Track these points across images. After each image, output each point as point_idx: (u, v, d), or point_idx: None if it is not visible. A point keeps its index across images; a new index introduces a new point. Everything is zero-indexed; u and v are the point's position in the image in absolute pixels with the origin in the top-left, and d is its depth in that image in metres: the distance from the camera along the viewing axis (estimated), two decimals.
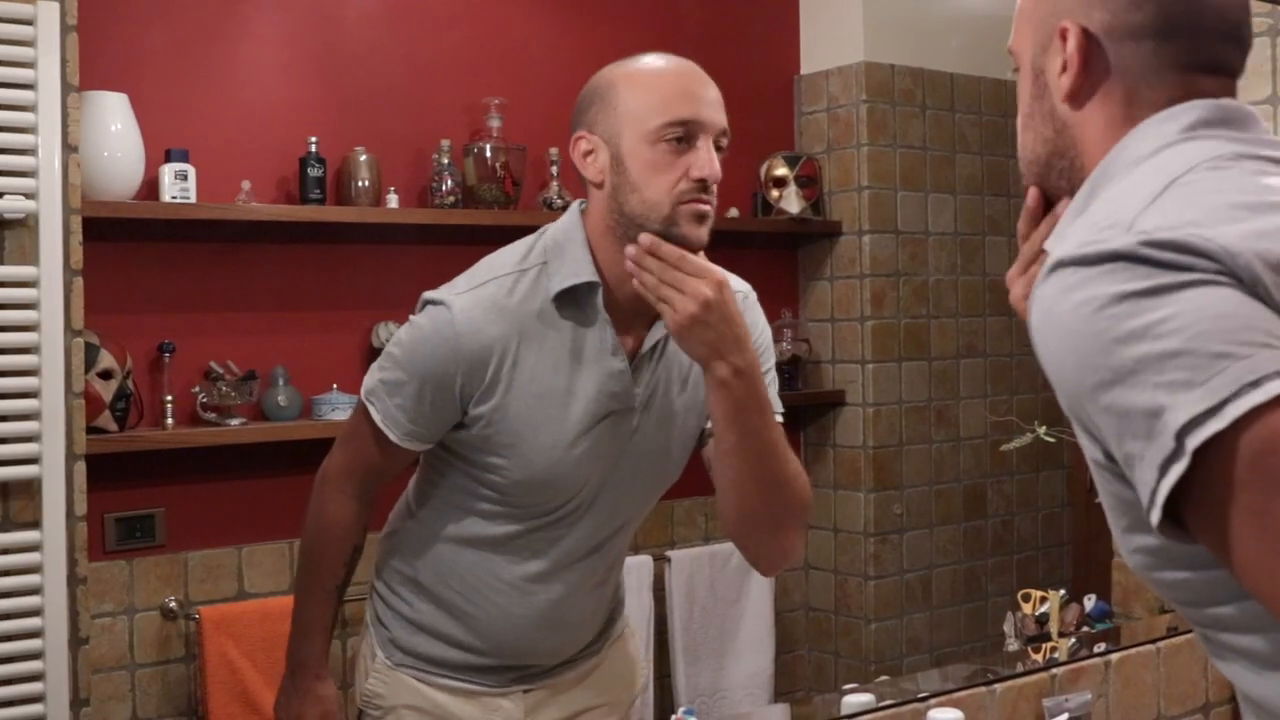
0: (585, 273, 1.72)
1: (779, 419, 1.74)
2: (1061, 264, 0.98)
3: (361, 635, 2.03)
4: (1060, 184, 1.23)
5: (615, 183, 1.69)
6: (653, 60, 1.74)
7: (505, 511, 1.81)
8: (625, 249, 1.65)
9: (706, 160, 1.67)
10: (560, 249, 1.74)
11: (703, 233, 1.69)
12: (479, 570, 1.85)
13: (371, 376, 1.81)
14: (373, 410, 1.78)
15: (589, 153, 1.72)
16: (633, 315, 1.75)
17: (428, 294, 1.76)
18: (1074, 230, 1.05)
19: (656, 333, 1.76)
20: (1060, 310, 0.97)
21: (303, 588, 1.97)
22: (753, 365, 1.66)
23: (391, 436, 1.78)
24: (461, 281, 1.76)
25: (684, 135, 1.67)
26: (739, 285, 1.87)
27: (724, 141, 1.71)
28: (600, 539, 1.85)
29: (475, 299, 1.72)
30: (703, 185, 1.67)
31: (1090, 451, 1.01)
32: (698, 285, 1.61)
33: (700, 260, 1.65)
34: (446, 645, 1.89)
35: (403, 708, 1.92)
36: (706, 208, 1.68)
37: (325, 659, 1.94)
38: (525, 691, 1.91)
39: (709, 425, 1.78)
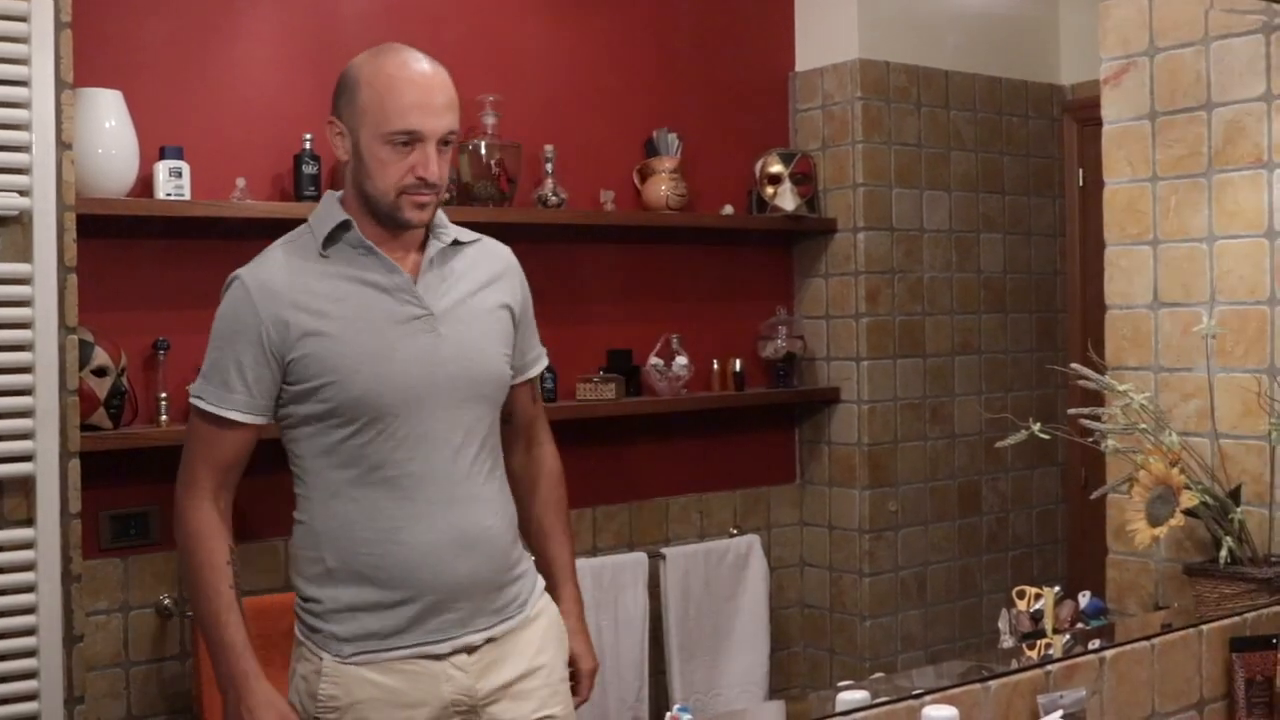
0: (338, 216, 2.01)
1: (536, 369, 2.19)
2: None
3: (295, 657, 2.06)
4: None
5: (355, 165, 2.01)
6: (394, 64, 1.99)
7: (360, 450, 1.97)
8: None
9: (425, 162, 1.96)
10: (317, 214, 2.05)
11: (423, 216, 2.00)
12: (368, 522, 1.98)
13: (197, 383, 2.00)
14: (201, 404, 1.97)
15: (338, 134, 2.02)
16: (400, 245, 2.03)
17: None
18: None
19: (430, 250, 2.04)
20: None
21: (203, 603, 1.99)
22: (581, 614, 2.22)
23: (223, 412, 1.96)
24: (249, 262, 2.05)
25: (409, 140, 1.96)
26: (509, 252, 2.18)
27: (450, 138, 2.00)
28: (454, 442, 2.01)
29: (260, 260, 2.03)
30: (423, 182, 1.97)
31: None
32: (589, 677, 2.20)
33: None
34: (383, 610, 1.98)
35: (359, 703, 1.97)
36: (425, 199, 1.99)
37: (256, 662, 1.98)
38: (470, 653, 2.00)
39: (519, 365, 2.13)
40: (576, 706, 2.15)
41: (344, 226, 2.00)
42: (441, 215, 2.09)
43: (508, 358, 2.09)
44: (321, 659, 2.00)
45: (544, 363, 2.24)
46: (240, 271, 2.02)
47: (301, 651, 2.04)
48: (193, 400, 1.99)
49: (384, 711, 1.98)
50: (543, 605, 2.14)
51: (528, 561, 2.14)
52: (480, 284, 2.09)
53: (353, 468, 1.98)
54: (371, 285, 1.99)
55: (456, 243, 2.09)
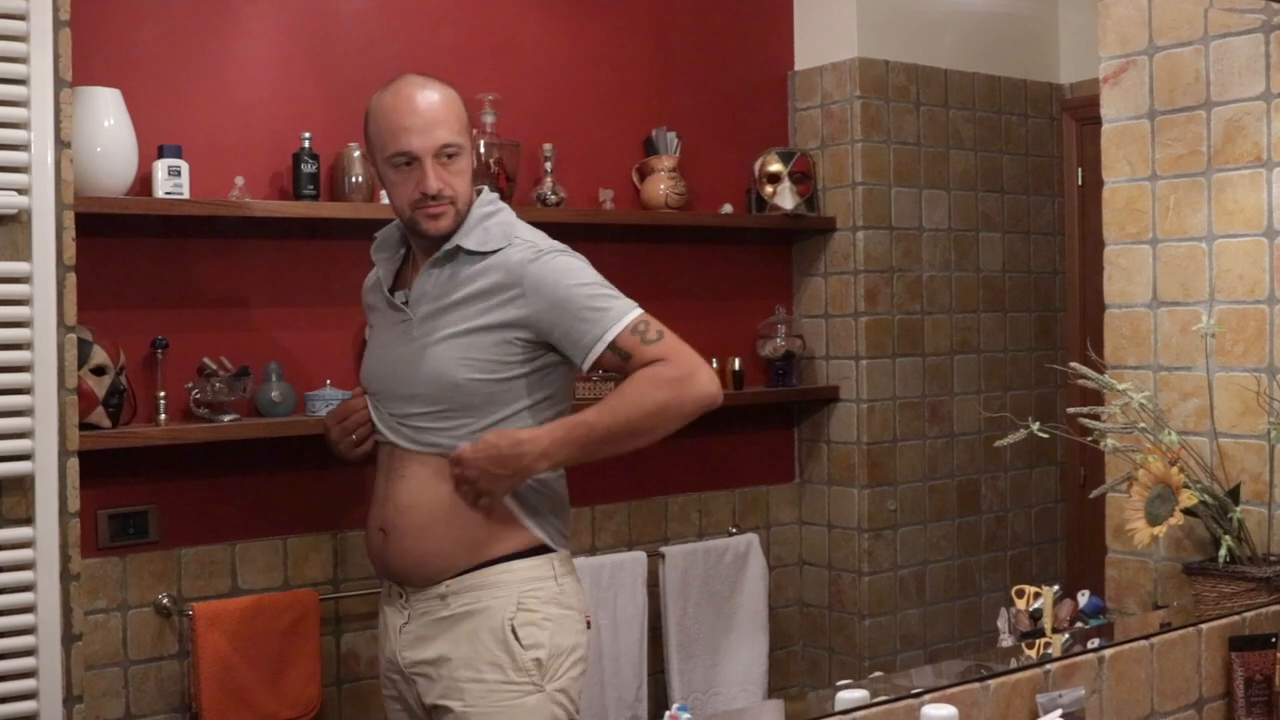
0: (393, 229, 2.38)
1: (599, 349, 2.16)
2: None
3: None
4: None
5: (383, 187, 2.32)
6: (390, 95, 2.23)
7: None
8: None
9: (424, 178, 2.18)
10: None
11: (439, 225, 2.22)
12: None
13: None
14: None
15: (369, 164, 2.37)
16: (423, 255, 2.29)
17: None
18: None
19: (430, 260, 2.26)
20: None
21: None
22: (547, 446, 2.15)
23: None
24: None
25: (408, 160, 2.19)
26: (542, 244, 2.25)
27: (450, 150, 2.20)
28: (390, 432, 2.28)
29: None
30: (425, 196, 2.19)
31: None
32: (453, 465, 2.18)
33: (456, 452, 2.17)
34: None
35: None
36: (435, 210, 2.21)
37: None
38: (404, 607, 2.25)
39: (577, 355, 2.20)
40: (457, 473, 2.18)
41: (389, 236, 2.39)
42: (476, 223, 2.25)
43: (473, 365, 2.19)
44: None
45: (612, 332, 2.17)
46: None
47: None
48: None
49: (379, 641, 2.35)
50: (489, 603, 2.20)
51: (480, 566, 2.22)
52: (471, 296, 2.21)
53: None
54: (385, 289, 2.33)
55: (460, 250, 2.23)
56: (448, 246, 2.23)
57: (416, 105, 2.21)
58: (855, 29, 3.74)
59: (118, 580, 2.81)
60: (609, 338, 2.17)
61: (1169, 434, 2.55)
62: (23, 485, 2.10)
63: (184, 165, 2.80)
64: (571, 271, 2.21)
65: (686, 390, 2.18)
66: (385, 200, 3.03)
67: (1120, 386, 2.59)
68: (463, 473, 2.17)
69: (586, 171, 3.45)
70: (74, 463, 2.14)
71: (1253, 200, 2.66)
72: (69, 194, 2.15)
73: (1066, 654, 2.19)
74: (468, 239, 2.22)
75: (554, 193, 3.32)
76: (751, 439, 3.81)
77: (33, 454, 2.09)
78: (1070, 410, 2.70)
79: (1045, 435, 2.56)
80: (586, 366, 2.18)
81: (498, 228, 2.24)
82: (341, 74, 3.11)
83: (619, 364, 2.19)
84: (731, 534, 3.68)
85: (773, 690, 3.66)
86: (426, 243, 2.27)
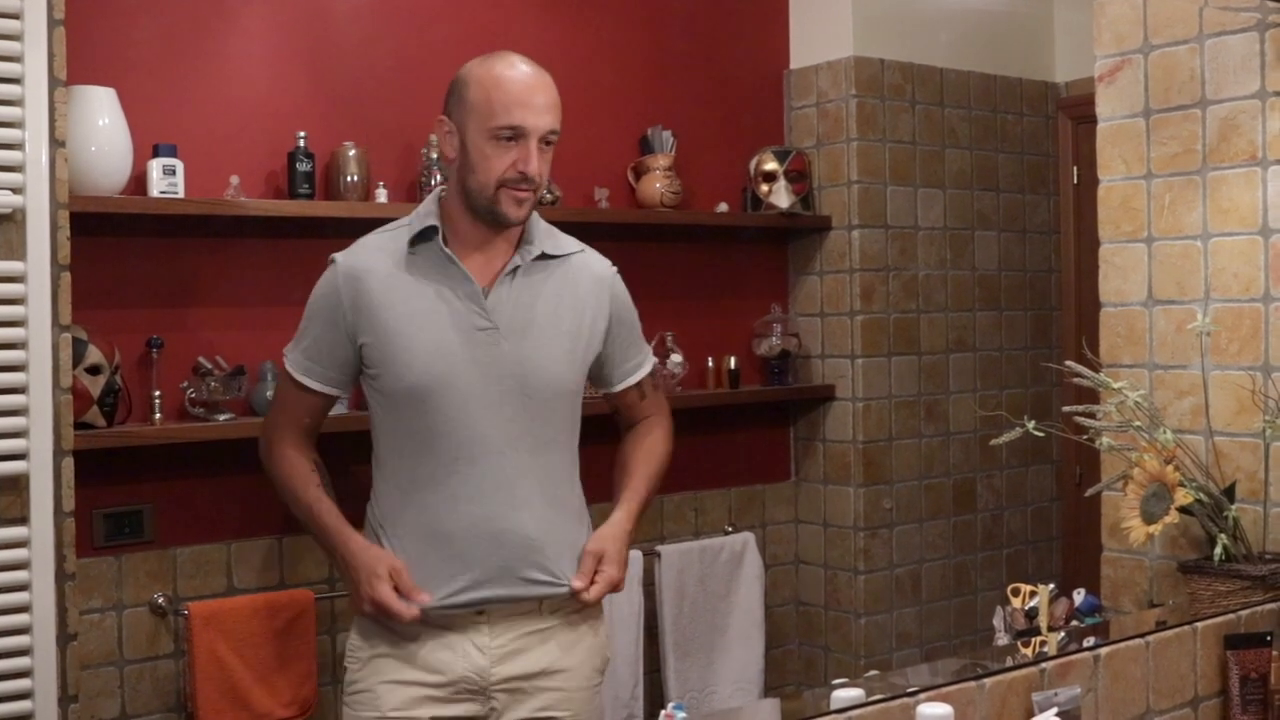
0: (431, 219, 2.15)
1: (637, 376, 2.32)
2: None
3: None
4: None
5: (461, 161, 2.14)
6: (502, 65, 2.12)
7: (415, 443, 2.13)
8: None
9: (527, 158, 2.09)
10: (418, 212, 2.20)
11: (521, 212, 2.13)
12: (418, 513, 2.14)
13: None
14: (287, 366, 2.21)
15: (447, 133, 2.15)
16: (487, 252, 2.17)
17: None
18: None
19: (510, 264, 2.16)
20: None
21: (300, 508, 2.23)
22: (633, 529, 2.28)
23: (300, 378, 2.19)
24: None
25: (514, 135, 2.09)
26: (606, 268, 2.28)
27: (552, 138, 2.13)
28: (502, 450, 2.13)
29: (356, 247, 2.19)
30: (524, 177, 2.10)
31: None
32: (612, 575, 2.21)
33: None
34: (419, 573, 2.12)
35: (378, 658, 2.12)
36: (524, 195, 2.12)
37: (349, 529, 2.19)
38: (491, 635, 2.12)
39: (616, 375, 2.29)
40: (582, 592, 2.18)
41: (432, 230, 2.15)
42: (537, 225, 2.21)
43: (574, 376, 2.20)
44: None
45: (646, 368, 2.35)
46: (337, 255, 2.19)
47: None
48: (283, 357, 2.24)
49: (399, 670, 2.11)
50: (590, 612, 2.21)
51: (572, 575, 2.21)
52: (560, 303, 2.18)
53: (410, 458, 2.14)
54: (445, 290, 2.13)
55: (545, 256, 2.20)
56: (529, 257, 2.17)
57: (535, 82, 2.12)
58: (850, 27, 3.75)
59: (113, 580, 2.81)
60: (644, 372, 2.34)
61: (1164, 432, 2.55)
62: (17, 485, 2.10)
63: (179, 164, 2.79)
64: (630, 297, 2.34)
65: (672, 440, 2.40)
66: (382, 198, 3.08)
67: (1116, 385, 2.59)
68: (613, 579, 2.20)
69: (581, 170, 3.45)
70: (69, 462, 2.14)
71: (1248, 199, 2.66)
72: (64, 193, 2.15)
73: (1062, 652, 2.19)
74: (548, 244, 2.21)
75: (549, 191, 3.32)
76: (747, 438, 3.81)
77: (27, 453, 2.09)
78: (1066, 409, 2.70)
79: (1041, 434, 2.56)
80: (619, 389, 2.30)
81: (553, 231, 2.25)
82: (337, 73, 3.11)
83: (634, 397, 2.34)
84: (727, 533, 3.68)
85: (769, 689, 3.66)
86: (486, 229, 2.15)
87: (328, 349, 2.17)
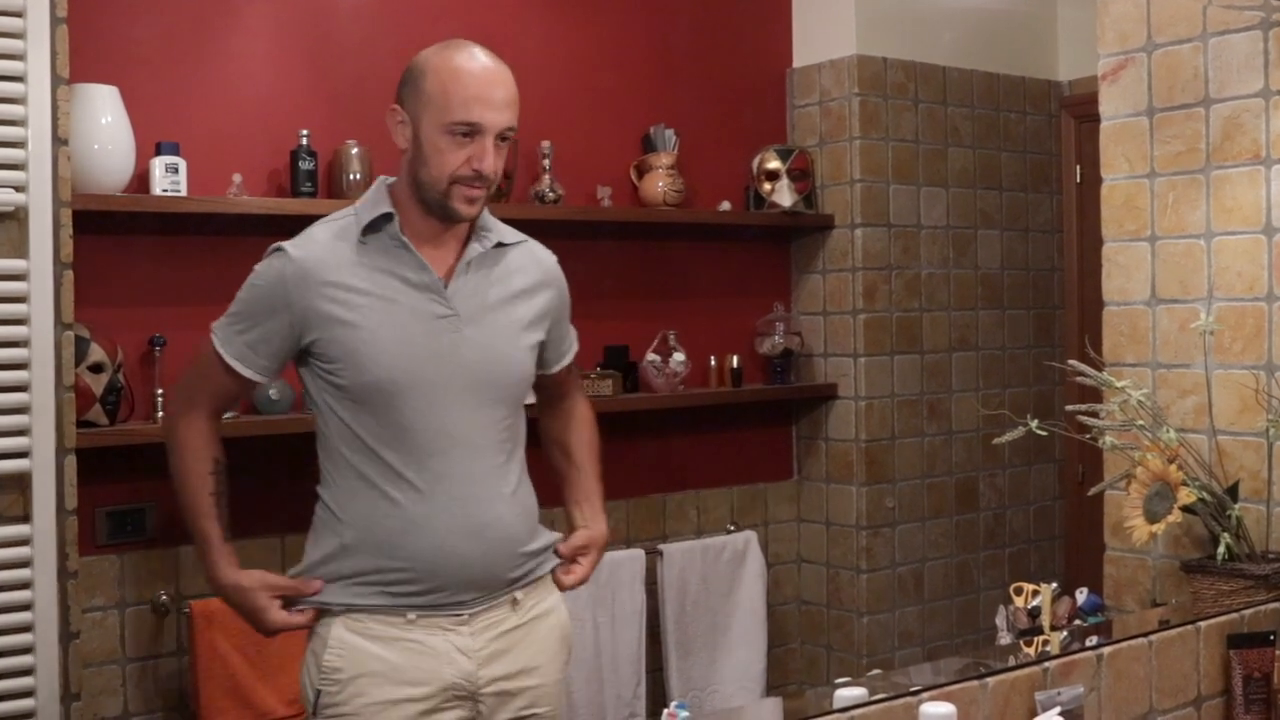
0: (383, 207, 2.05)
1: (570, 357, 2.30)
2: None
3: (311, 631, 2.09)
4: None
5: (413, 153, 2.04)
6: (461, 56, 2.03)
7: (379, 440, 2.03)
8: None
9: (482, 155, 2.01)
10: (365, 201, 2.09)
11: (472, 210, 2.05)
12: (385, 515, 2.03)
13: (220, 320, 2.09)
14: (215, 341, 2.07)
15: (399, 123, 2.05)
16: (438, 244, 2.08)
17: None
18: None
19: (470, 253, 2.09)
20: None
21: (186, 511, 2.11)
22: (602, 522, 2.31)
23: (228, 359, 2.06)
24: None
25: (470, 131, 2.00)
26: (549, 255, 2.24)
27: (509, 134, 2.04)
28: (473, 441, 2.07)
29: (304, 240, 2.06)
30: (478, 175, 2.01)
31: None
32: (586, 572, 2.24)
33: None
34: (394, 584, 2.03)
35: (361, 677, 2.01)
36: (477, 193, 2.03)
37: (227, 551, 2.09)
38: (474, 638, 2.06)
39: (554, 357, 2.25)
40: (573, 585, 2.22)
41: (386, 218, 2.04)
42: (488, 216, 2.13)
43: (531, 363, 2.16)
44: (330, 628, 2.03)
45: (576, 347, 2.34)
46: (284, 244, 2.06)
47: (316, 625, 2.08)
48: (212, 333, 2.08)
49: (384, 688, 2.02)
50: (552, 604, 2.19)
51: (546, 555, 2.19)
52: (515, 292, 2.14)
53: (372, 456, 2.03)
54: (402, 280, 2.04)
55: (500, 245, 2.14)
56: (487, 245, 2.11)
57: (495, 77, 2.03)
58: (854, 26, 3.74)
59: (115, 578, 2.81)
60: (575, 349, 2.33)
61: (1167, 431, 2.54)
62: (20, 483, 2.10)
63: (181, 162, 2.79)
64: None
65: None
66: (544, 192, 3.00)
67: (1119, 384, 2.59)
68: (586, 576, 2.23)
69: (584, 169, 3.45)
70: (71, 460, 2.15)
71: (1251, 197, 2.66)
72: (66, 191, 2.15)
73: (1065, 652, 2.19)
74: (504, 234, 2.17)
75: (552, 190, 3.32)
76: (750, 436, 3.81)
77: (30, 451, 2.09)
78: (1069, 408, 2.69)
79: (1044, 433, 2.56)
80: (555, 370, 2.28)
81: (497, 221, 2.21)
82: (339, 71, 3.11)
83: (563, 374, 2.32)
84: (730, 531, 3.68)
85: (771, 688, 3.66)
86: (434, 225, 2.07)
87: (264, 337, 2.06)
